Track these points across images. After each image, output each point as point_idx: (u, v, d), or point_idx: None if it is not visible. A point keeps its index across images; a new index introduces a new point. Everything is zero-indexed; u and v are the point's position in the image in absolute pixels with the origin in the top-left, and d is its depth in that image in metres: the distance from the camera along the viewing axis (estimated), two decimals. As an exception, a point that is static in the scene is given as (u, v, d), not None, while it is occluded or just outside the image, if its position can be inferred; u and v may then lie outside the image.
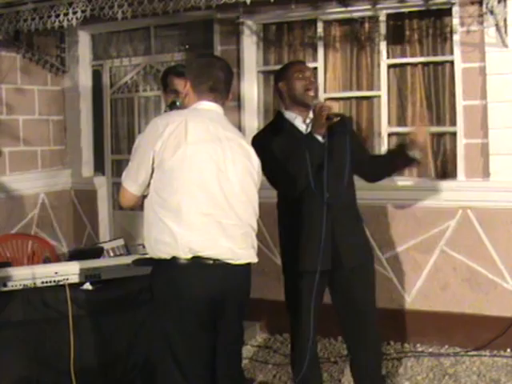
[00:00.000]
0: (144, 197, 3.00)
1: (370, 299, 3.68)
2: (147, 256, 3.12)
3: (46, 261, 5.20)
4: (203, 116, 3.00)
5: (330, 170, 3.41)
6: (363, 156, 3.73)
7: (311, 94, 3.54)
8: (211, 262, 2.90)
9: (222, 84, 3.05)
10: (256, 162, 3.08)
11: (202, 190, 2.89)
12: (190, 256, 2.87)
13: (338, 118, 3.41)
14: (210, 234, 2.89)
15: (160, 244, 2.90)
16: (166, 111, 3.65)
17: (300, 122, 3.57)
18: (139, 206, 3.05)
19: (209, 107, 3.04)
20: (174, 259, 2.88)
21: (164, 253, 2.90)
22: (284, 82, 3.60)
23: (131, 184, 2.96)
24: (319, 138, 3.42)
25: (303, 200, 3.48)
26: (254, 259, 3.05)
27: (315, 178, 3.39)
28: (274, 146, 3.50)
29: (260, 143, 3.47)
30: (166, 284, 2.92)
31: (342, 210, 3.54)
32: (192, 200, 2.87)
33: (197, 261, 2.88)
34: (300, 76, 3.55)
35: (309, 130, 3.47)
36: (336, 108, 5.23)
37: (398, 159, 3.66)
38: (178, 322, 2.91)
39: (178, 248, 2.86)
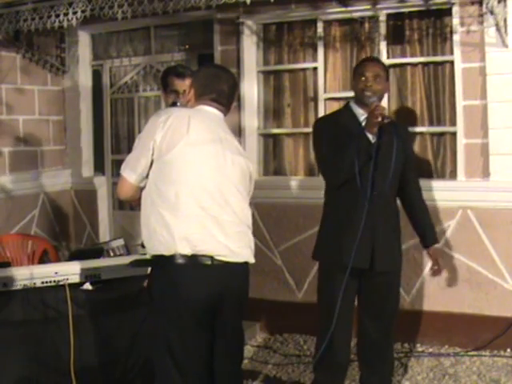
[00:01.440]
0: (141, 190, 3.00)
1: (392, 306, 3.75)
2: (145, 256, 3.13)
3: (46, 261, 5.21)
4: (205, 116, 3.04)
5: (376, 169, 3.50)
6: (406, 177, 3.76)
7: (368, 93, 3.59)
8: (209, 262, 2.91)
9: (224, 98, 3.10)
10: (251, 166, 3.15)
11: (200, 184, 2.91)
12: (188, 251, 2.88)
13: (389, 120, 3.50)
14: (206, 228, 2.91)
15: (159, 236, 2.91)
16: None
17: (363, 118, 3.64)
18: (137, 200, 3.05)
19: (210, 110, 3.08)
20: (173, 258, 2.88)
21: (162, 247, 2.90)
22: (353, 80, 3.76)
23: (129, 173, 2.96)
24: (370, 136, 3.52)
25: (349, 193, 3.57)
26: (251, 259, 3.07)
27: (361, 174, 3.47)
28: (331, 132, 3.65)
29: (319, 126, 3.80)
30: (165, 285, 2.93)
31: (385, 213, 3.61)
32: (190, 192, 2.90)
33: (195, 260, 2.89)
34: (362, 78, 3.64)
35: (363, 125, 3.57)
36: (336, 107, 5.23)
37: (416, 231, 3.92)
38: (176, 322, 2.91)
39: (175, 243, 2.87)
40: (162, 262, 2.92)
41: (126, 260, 4.07)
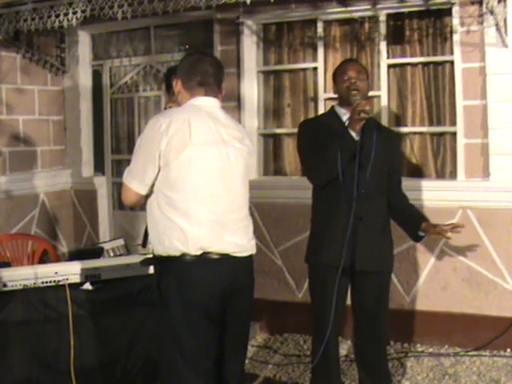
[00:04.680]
0: (146, 195, 3.01)
1: (380, 307, 3.71)
2: (152, 255, 3.13)
3: (46, 261, 5.21)
4: (203, 113, 3.02)
5: (360, 166, 3.48)
6: (392, 177, 3.72)
7: (354, 91, 3.60)
8: (217, 256, 2.93)
9: (210, 78, 3.09)
10: (252, 149, 3.19)
11: (207, 188, 2.93)
12: (199, 252, 2.91)
13: (368, 115, 3.47)
14: (216, 231, 2.93)
15: (169, 240, 2.92)
16: None
17: (346, 118, 3.63)
18: (142, 204, 3.06)
19: (205, 102, 3.07)
20: (183, 256, 2.90)
21: (173, 250, 2.91)
22: (334, 83, 3.75)
23: (137, 184, 2.96)
24: (353, 134, 3.51)
25: (332, 193, 3.57)
26: (254, 250, 3.11)
27: (345, 173, 3.45)
28: (314, 133, 3.66)
29: (303, 128, 3.79)
30: (174, 281, 2.93)
31: (370, 211, 3.58)
32: (199, 199, 2.91)
33: (204, 257, 2.92)
34: (344, 78, 3.65)
35: (346, 124, 3.56)
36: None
37: (407, 227, 3.76)
38: (187, 318, 2.92)
39: (188, 245, 2.89)
40: (172, 260, 2.93)
41: (126, 260, 4.08)
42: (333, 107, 3.80)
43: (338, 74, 3.72)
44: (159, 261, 3.01)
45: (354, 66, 3.73)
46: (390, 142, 3.71)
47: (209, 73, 3.08)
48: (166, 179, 2.91)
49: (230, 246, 2.96)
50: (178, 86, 3.12)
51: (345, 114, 3.65)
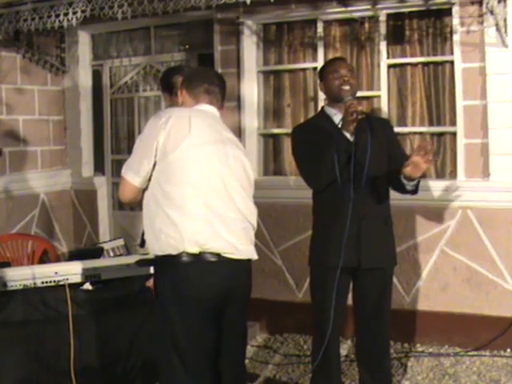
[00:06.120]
0: (143, 191, 3.01)
1: (383, 304, 3.71)
2: (149, 255, 3.13)
3: (46, 261, 5.22)
4: (205, 114, 3.06)
5: (356, 167, 3.47)
6: (396, 160, 3.61)
7: (346, 87, 3.59)
8: (215, 259, 2.92)
9: (216, 88, 3.14)
10: (249, 163, 3.17)
11: (205, 182, 2.93)
12: (196, 250, 2.89)
13: (363, 116, 3.46)
14: (212, 226, 2.92)
15: (166, 237, 2.91)
16: None
17: (339, 118, 3.61)
18: (138, 201, 3.05)
19: (207, 109, 3.11)
20: (179, 256, 2.89)
21: (170, 247, 2.91)
22: (322, 82, 3.74)
23: (133, 176, 2.97)
24: (347, 135, 3.51)
25: (332, 195, 3.57)
26: (255, 256, 3.10)
27: (343, 175, 3.45)
28: (309, 138, 3.64)
29: (297, 133, 3.80)
30: (171, 282, 2.93)
31: (371, 210, 3.58)
32: (196, 191, 2.91)
33: (201, 258, 2.91)
34: (335, 75, 3.65)
35: (339, 126, 3.55)
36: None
37: (395, 182, 3.57)
38: (183, 320, 2.92)
39: (184, 242, 2.88)
40: (169, 261, 2.93)
41: (126, 260, 4.08)
42: (323, 108, 3.79)
43: (328, 72, 3.70)
44: (156, 261, 3.01)
45: (344, 64, 3.75)
46: (383, 131, 3.69)
47: (214, 82, 3.14)
48: (163, 171, 2.92)
49: (226, 245, 2.94)
50: (182, 95, 3.16)
51: (335, 114, 3.64)
